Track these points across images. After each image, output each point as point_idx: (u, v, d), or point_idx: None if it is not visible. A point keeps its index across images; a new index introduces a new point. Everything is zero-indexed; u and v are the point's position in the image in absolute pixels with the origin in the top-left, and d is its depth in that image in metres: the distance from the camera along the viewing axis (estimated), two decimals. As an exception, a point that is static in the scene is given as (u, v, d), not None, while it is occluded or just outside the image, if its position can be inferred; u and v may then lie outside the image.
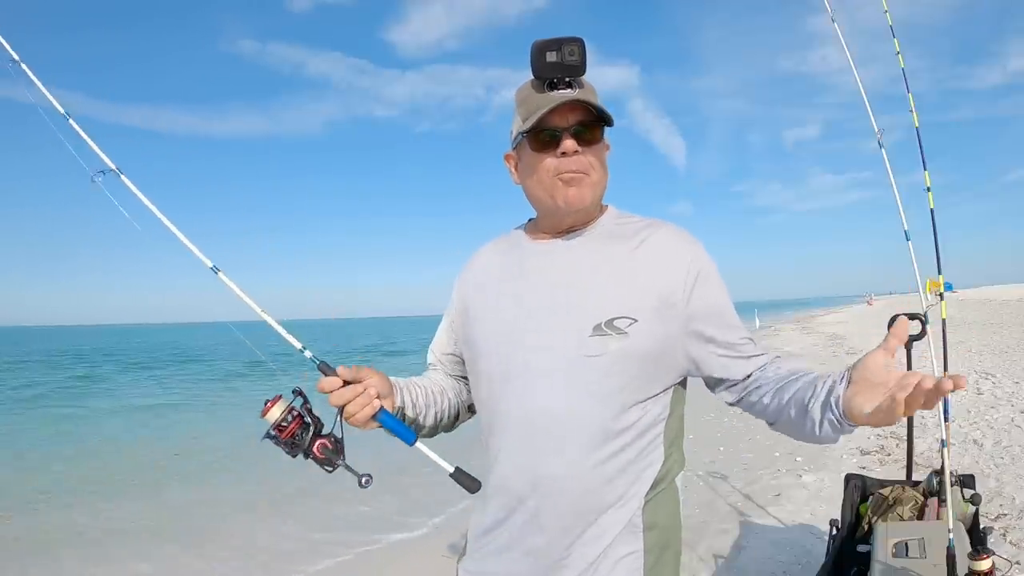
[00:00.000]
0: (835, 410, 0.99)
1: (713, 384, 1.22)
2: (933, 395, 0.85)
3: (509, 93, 1.20)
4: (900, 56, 2.52)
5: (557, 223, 1.23)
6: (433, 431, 1.33)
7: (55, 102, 1.32)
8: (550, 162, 1.16)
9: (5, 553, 4.74)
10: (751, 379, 1.18)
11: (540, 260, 1.23)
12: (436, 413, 1.30)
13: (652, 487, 1.17)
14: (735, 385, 1.19)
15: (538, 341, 1.16)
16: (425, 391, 1.29)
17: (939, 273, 2.43)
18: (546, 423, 1.13)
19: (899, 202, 2.30)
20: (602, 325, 1.12)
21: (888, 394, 0.91)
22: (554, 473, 1.13)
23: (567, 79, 1.13)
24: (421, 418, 1.27)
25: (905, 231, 2.31)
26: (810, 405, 1.03)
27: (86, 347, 47.76)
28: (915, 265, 2.31)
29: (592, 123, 1.15)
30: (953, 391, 0.84)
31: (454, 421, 1.36)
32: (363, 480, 1.13)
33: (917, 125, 2.47)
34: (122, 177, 1.29)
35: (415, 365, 1.51)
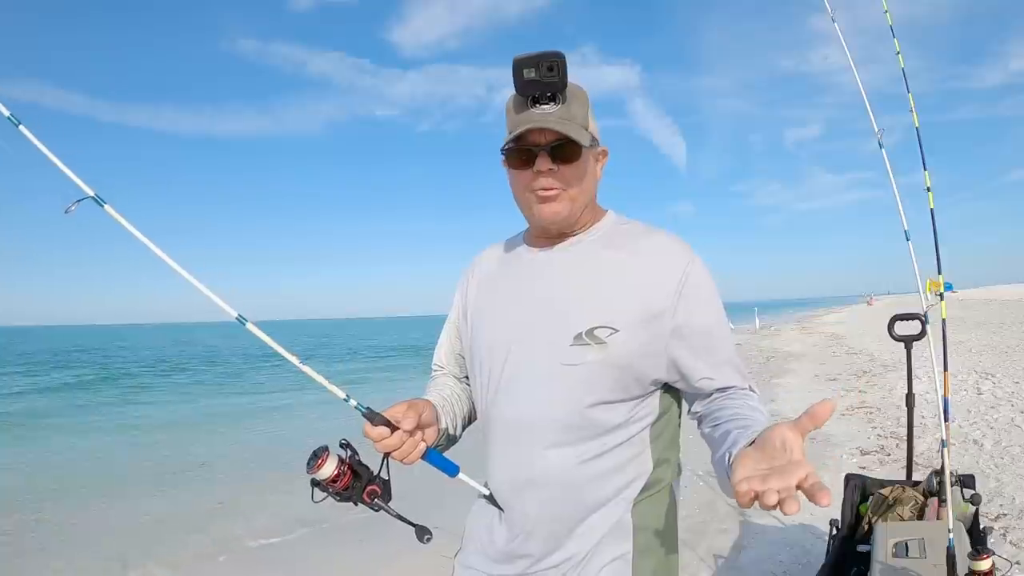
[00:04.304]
0: (727, 465, 0.94)
1: (686, 400, 1.24)
2: (776, 507, 0.76)
3: (509, 93, 1.19)
4: (900, 56, 2.52)
5: (543, 232, 1.25)
6: (459, 437, 1.36)
7: (4, 109, 1.13)
8: (527, 178, 1.17)
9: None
10: (711, 403, 1.17)
11: (531, 270, 1.26)
12: (463, 421, 1.35)
13: (643, 490, 1.18)
14: (698, 404, 1.19)
15: (522, 352, 1.19)
16: (451, 404, 1.32)
17: (939, 273, 2.43)
18: (527, 430, 1.17)
19: (899, 202, 2.30)
20: (582, 335, 1.13)
21: (760, 474, 0.80)
22: (536, 477, 1.16)
23: (548, 94, 1.12)
24: (455, 431, 1.32)
25: (905, 231, 2.30)
26: (715, 456, 1.02)
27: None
28: (915, 265, 2.31)
29: (569, 141, 1.14)
30: (787, 513, 0.75)
31: (470, 422, 1.39)
32: (424, 538, 1.17)
33: (917, 125, 2.47)
34: (105, 207, 1.14)
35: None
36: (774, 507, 0.76)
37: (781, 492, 0.75)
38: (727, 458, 0.95)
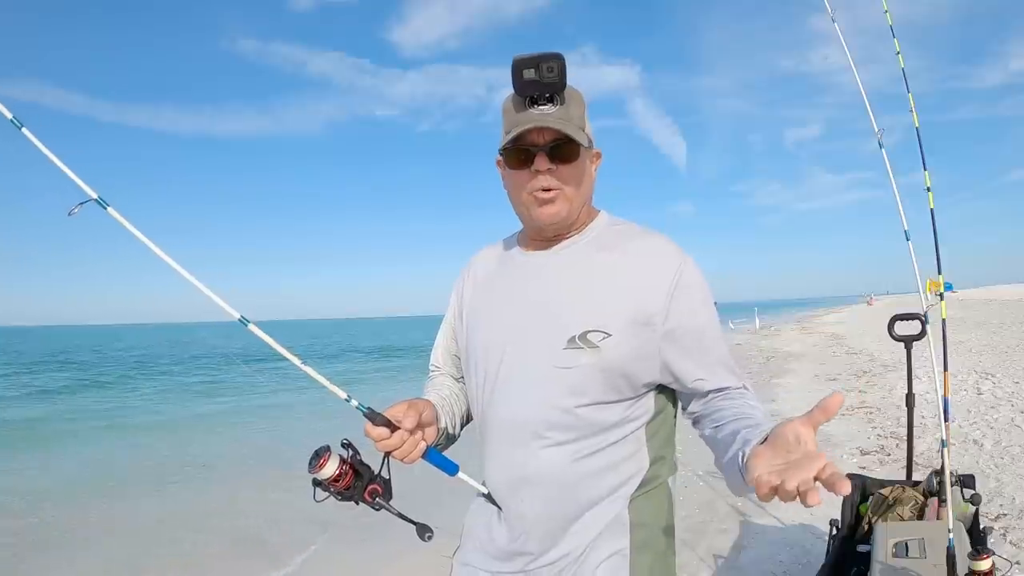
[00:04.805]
0: (740, 464, 0.95)
1: (681, 401, 1.24)
2: (803, 499, 0.77)
3: (508, 93, 1.20)
4: (900, 56, 2.52)
5: (539, 234, 1.26)
6: (458, 435, 1.37)
7: (7, 111, 1.13)
8: (525, 178, 1.18)
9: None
10: (708, 404, 1.17)
11: (525, 272, 1.26)
12: (461, 420, 1.36)
13: (639, 487, 1.19)
14: (695, 404, 1.20)
15: (517, 353, 1.20)
16: (450, 403, 1.33)
17: (939, 273, 2.43)
18: (521, 429, 1.18)
19: (899, 202, 2.30)
20: (576, 338, 1.14)
21: (778, 468, 0.82)
22: (531, 476, 1.17)
23: (547, 95, 1.13)
24: (454, 429, 1.33)
25: (905, 231, 2.31)
26: (725, 455, 1.02)
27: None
28: (915, 265, 2.31)
29: (567, 141, 1.15)
30: (809, 505, 0.76)
31: (468, 421, 1.40)
32: (426, 536, 1.17)
33: (917, 125, 2.47)
34: (108, 210, 1.14)
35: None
36: (794, 499, 0.78)
37: (801, 485, 0.77)
38: (740, 457, 0.95)
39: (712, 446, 1.12)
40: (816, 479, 0.77)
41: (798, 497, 0.77)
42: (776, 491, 0.80)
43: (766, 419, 1.07)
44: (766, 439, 0.91)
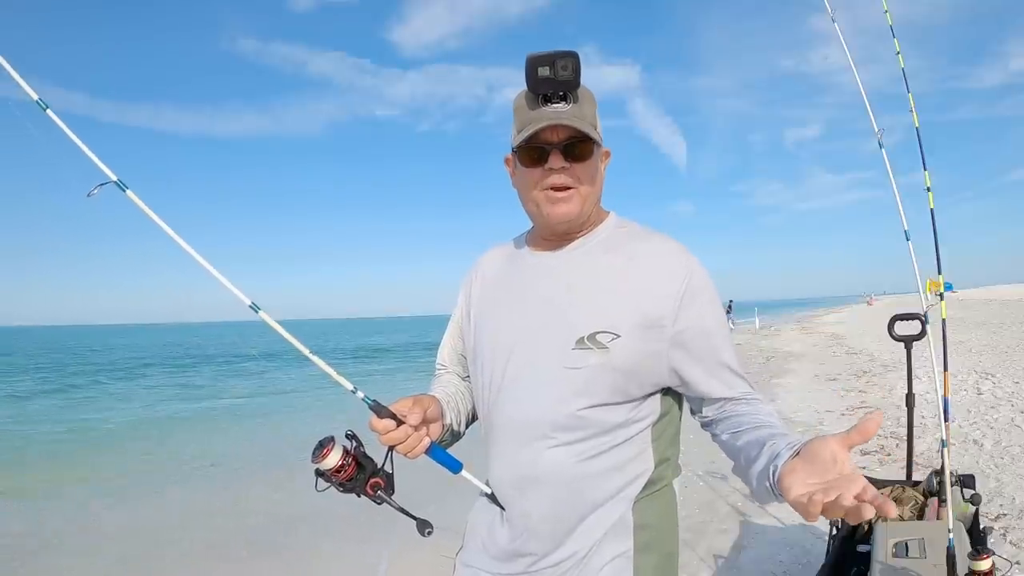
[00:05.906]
0: (771, 479, 0.95)
1: (691, 404, 1.24)
2: (853, 513, 0.77)
3: (510, 93, 1.20)
4: (900, 56, 2.52)
5: (550, 233, 1.25)
6: (462, 433, 1.37)
7: (32, 92, 1.15)
8: (538, 176, 1.17)
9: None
10: (722, 408, 1.18)
11: (535, 272, 1.26)
12: (466, 418, 1.36)
13: (644, 488, 1.19)
14: (707, 409, 1.20)
15: (525, 354, 1.20)
16: (455, 400, 1.33)
17: (939, 273, 2.43)
18: (528, 429, 1.18)
19: (899, 202, 2.30)
20: (585, 339, 1.14)
21: (818, 488, 0.83)
22: (537, 476, 1.17)
23: (560, 93, 1.13)
24: (459, 427, 1.33)
25: (905, 231, 2.31)
26: (752, 465, 1.02)
27: None
28: (915, 265, 2.31)
29: (582, 139, 1.15)
30: (867, 519, 0.78)
31: (474, 419, 1.40)
32: (426, 531, 1.17)
33: (917, 125, 2.48)
34: (127, 192, 1.15)
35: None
36: (844, 514, 0.78)
37: (858, 497, 0.78)
38: (772, 472, 0.95)
39: (730, 452, 1.12)
40: (858, 500, 0.78)
41: (847, 513, 0.78)
42: (825, 509, 0.81)
43: (784, 427, 1.08)
44: (798, 452, 0.92)
